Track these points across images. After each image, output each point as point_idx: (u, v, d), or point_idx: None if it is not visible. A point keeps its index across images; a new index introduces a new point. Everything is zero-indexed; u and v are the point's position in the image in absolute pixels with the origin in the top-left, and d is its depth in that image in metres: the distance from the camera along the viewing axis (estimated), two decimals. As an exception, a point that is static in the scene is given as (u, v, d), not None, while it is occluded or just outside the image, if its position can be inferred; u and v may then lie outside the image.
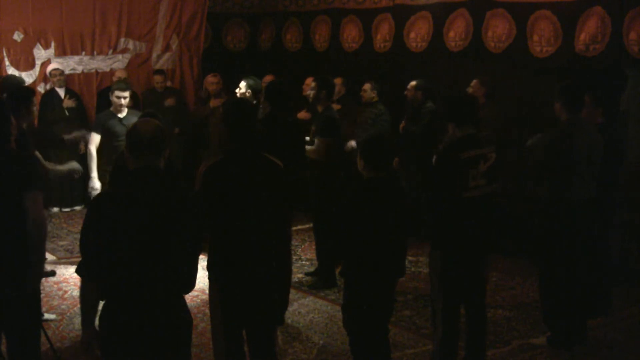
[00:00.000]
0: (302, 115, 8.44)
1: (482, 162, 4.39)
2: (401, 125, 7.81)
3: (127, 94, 7.02)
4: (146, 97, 9.31)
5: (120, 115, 6.96)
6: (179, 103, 9.24)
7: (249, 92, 7.27)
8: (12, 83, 6.92)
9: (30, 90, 6.25)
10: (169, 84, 9.43)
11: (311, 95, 6.54)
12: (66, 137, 6.97)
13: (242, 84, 7.33)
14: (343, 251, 4.17)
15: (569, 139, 4.95)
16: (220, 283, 3.87)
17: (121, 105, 6.95)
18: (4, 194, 3.70)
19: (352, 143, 7.51)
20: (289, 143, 5.57)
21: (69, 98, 8.76)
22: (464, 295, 4.55)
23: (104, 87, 9.23)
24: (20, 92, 5.74)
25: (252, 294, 3.87)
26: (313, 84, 6.53)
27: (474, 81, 7.29)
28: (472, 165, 4.35)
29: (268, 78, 8.19)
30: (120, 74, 9.02)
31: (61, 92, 8.76)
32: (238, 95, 7.32)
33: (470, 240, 4.41)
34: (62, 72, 8.86)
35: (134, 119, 6.88)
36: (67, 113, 8.65)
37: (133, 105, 8.07)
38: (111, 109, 7.04)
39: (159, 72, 9.34)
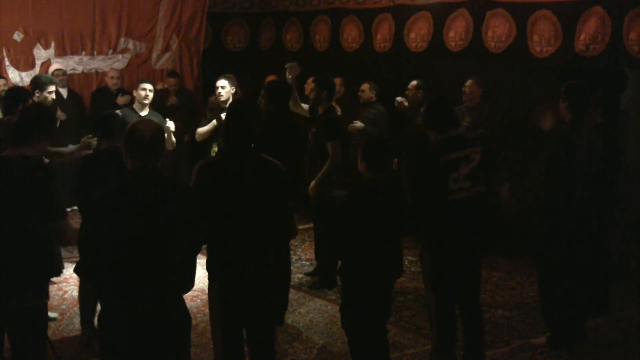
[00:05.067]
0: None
1: (464, 164, 4.35)
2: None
3: (151, 87, 6.71)
4: (156, 97, 9.24)
5: (142, 113, 6.60)
6: (190, 107, 9.20)
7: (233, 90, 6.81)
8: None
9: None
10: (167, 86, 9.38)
11: (312, 97, 6.48)
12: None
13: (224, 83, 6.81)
14: (342, 251, 4.17)
15: (570, 140, 4.94)
16: (219, 283, 3.87)
17: (146, 97, 6.59)
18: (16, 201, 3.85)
19: (358, 124, 7.56)
20: (295, 141, 5.58)
21: (62, 111, 8.19)
22: (457, 296, 4.55)
23: (98, 87, 9.21)
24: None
25: (251, 294, 3.87)
26: (313, 85, 6.47)
27: (470, 81, 7.27)
28: (451, 168, 4.32)
29: (271, 78, 8.16)
30: (114, 74, 8.97)
31: (64, 92, 8.70)
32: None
33: (459, 242, 4.40)
34: (64, 73, 8.83)
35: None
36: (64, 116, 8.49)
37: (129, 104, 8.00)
38: (134, 105, 6.77)
39: (173, 74, 9.30)
